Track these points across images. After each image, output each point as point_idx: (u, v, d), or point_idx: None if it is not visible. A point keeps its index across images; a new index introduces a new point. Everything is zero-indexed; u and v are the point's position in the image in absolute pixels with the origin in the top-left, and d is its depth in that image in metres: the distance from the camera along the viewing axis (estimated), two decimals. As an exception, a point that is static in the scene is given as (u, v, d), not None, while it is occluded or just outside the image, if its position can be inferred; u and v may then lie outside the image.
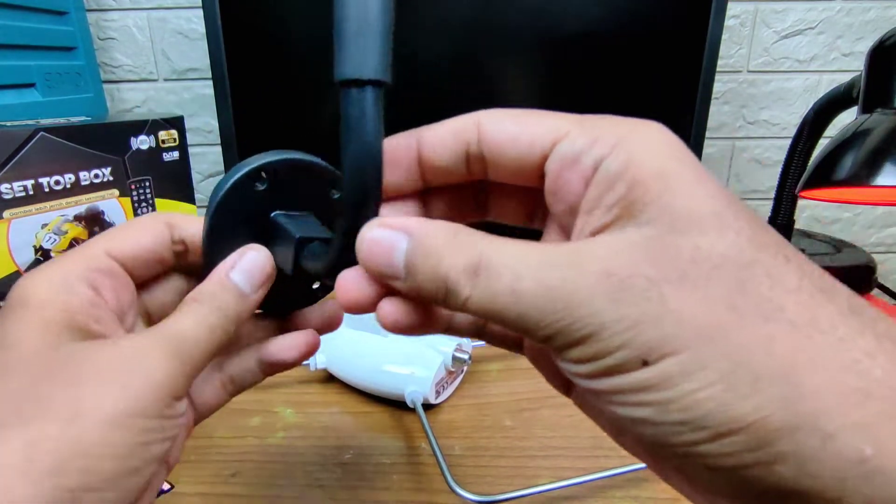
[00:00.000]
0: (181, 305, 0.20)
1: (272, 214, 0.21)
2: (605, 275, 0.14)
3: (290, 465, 0.32)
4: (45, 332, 0.17)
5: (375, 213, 0.17)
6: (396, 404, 0.37)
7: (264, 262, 0.21)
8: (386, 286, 0.17)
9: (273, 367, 0.23)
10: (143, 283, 0.21)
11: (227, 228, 0.20)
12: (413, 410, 0.36)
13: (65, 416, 0.15)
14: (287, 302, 0.23)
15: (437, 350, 0.37)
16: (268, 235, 0.21)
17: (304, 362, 0.39)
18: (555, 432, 0.35)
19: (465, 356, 0.37)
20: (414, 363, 0.36)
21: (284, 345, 0.22)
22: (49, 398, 0.15)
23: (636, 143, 0.15)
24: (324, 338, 0.39)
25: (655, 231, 0.14)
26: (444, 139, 0.20)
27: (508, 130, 0.19)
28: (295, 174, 0.22)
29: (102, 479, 0.15)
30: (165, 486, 0.30)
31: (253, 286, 0.21)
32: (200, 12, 0.54)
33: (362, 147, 0.17)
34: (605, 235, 0.15)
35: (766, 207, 0.63)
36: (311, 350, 0.22)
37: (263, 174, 0.21)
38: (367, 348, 0.38)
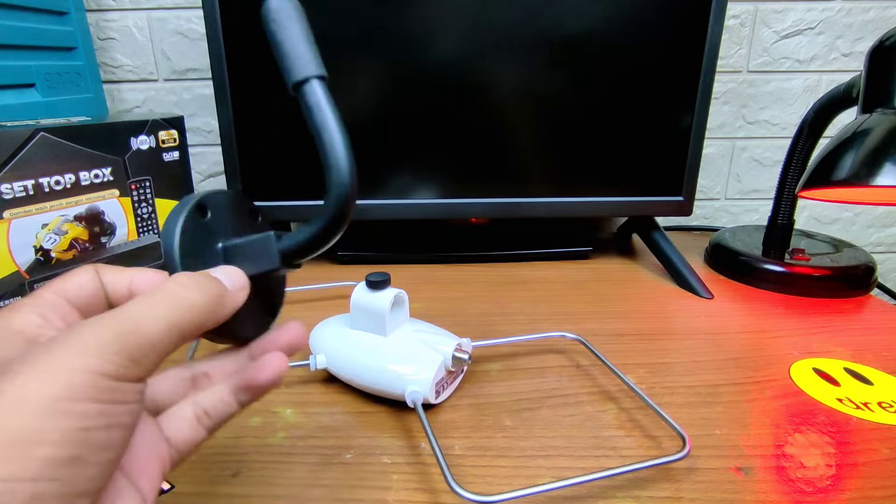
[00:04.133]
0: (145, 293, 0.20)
1: (220, 244, 0.23)
2: None
3: (290, 465, 0.32)
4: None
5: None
6: (396, 404, 0.37)
7: (238, 276, 0.23)
8: None
9: (249, 391, 0.23)
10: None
11: (189, 257, 0.22)
12: (413, 410, 0.36)
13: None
14: (246, 329, 0.24)
15: (437, 350, 0.37)
16: (220, 258, 0.23)
17: (305, 362, 0.39)
18: (555, 432, 0.35)
19: (465, 356, 0.37)
20: (414, 363, 0.36)
21: (257, 367, 0.23)
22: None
23: None
24: (324, 338, 0.39)
25: None
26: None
27: None
28: (227, 204, 0.24)
29: (37, 468, 0.15)
30: (165, 486, 0.30)
31: (234, 285, 0.22)
32: (200, 12, 0.54)
33: (332, 126, 0.21)
34: None
35: (766, 207, 0.63)
36: (282, 369, 0.23)
37: (207, 208, 0.23)
38: (367, 348, 0.38)
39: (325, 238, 0.22)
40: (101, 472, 0.16)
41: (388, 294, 0.37)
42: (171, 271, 0.21)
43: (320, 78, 0.21)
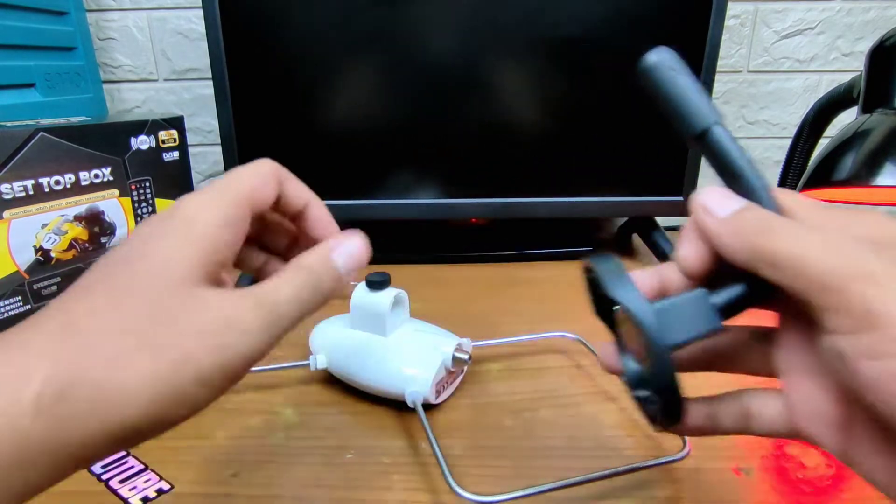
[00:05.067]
0: (284, 271, 0.22)
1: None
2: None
3: (290, 465, 0.32)
4: (188, 265, 0.19)
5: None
6: (397, 404, 0.37)
7: (363, 251, 0.24)
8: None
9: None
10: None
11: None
12: (413, 410, 0.36)
13: (170, 359, 0.18)
14: None
15: (438, 350, 0.37)
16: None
17: (305, 362, 0.39)
18: (555, 432, 0.35)
19: (466, 356, 0.37)
20: (414, 363, 0.36)
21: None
22: (163, 339, 0.18)
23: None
24: (324, 338, 0.39)
25: None
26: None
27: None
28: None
29: (168, 425, 0.18)
30: (165, 486, 0.30)
31: (348, 271, 0.23)
32: (200, 12, 0.54)
33: (748, 168, 0.21)
34: None
35: (766, 207, 0.63)
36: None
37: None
38: (367, 348, 0.38)
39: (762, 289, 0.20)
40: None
41: (389, 294, 0.37)
42: (655, 348, 0.19)
43: (717, 124, 0.21)
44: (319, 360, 0.38)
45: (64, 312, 0.18)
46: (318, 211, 0.26)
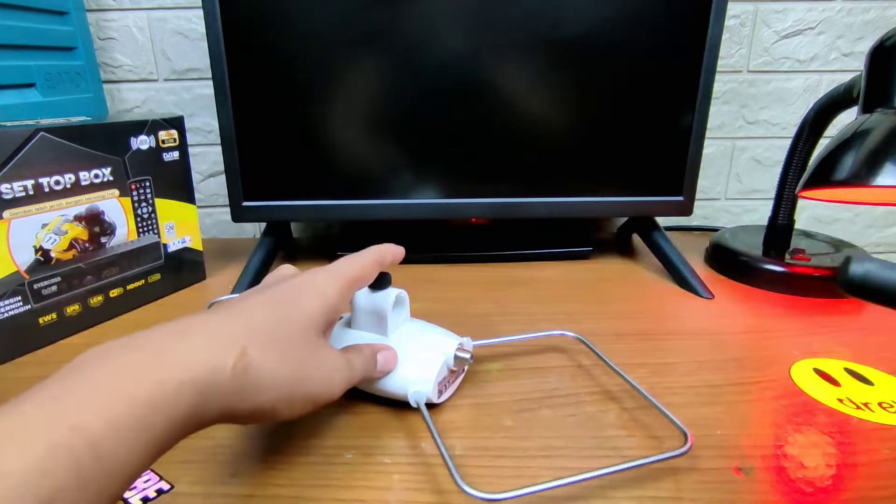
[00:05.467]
0: (352, 350, 0.34)
1: None
2: None
3: (290, 465, 0.32)
4: (319, 318, 0.30)
5: None
6: (397, 404, 0.37)
7: (393, 363, 0.36)
8: None
9: None
10: None
11: None
12: (414, 410, 0.36)
13: (301, 377, 0.28)
14: None
15: (439, 350, 0.37)
16: None
17: None
18: (555, 432, 0.35)
19: (467, 355, 0.37)
20: (416, 363, 0.36)
21: None
22: (302, 365, 0.28)
23: None
24: None
25: None
26: None
27: None
28: None
29: (270, 418, 0.28)
30: (165, 487, 0.30)
31: (380, 370, 0.36)
32: (200, 12, 0.54)
33: None
34: None
35: (767, 207, 0.63)
36: None
37: None
38: None
39: None
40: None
41: (390, 294, 0.37)
42: None
43: None
44: None
45: (241, 314, 0.27)
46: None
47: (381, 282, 0.37)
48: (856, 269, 0.23)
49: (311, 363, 0.29)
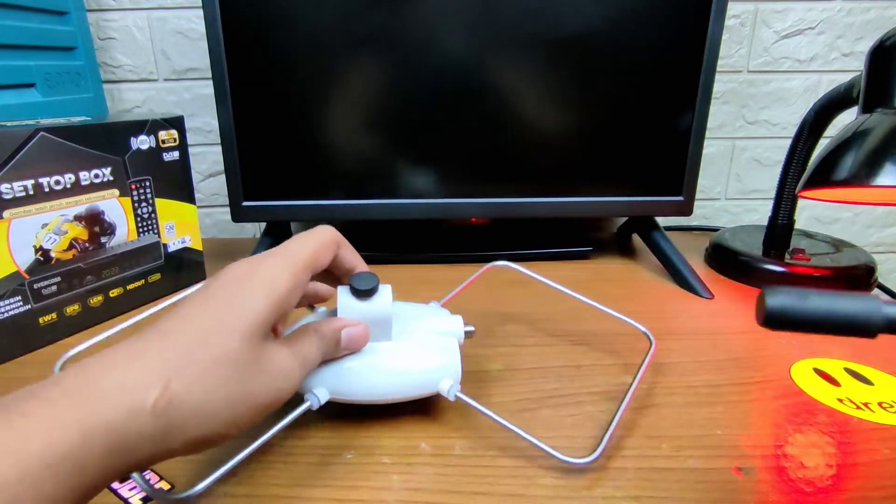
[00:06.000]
0: (306, 335, 0.30)
1: None
2: None
3: (290, 465, 0.32)
4: (264, 318, 0.26)
5: None
6: (397, 405, 0.37)
7: (362, 339, 0.33)
8: None
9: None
10: None
11: None
12: (415, 410, 0.36)
13: (245, 392, 0.25)
14: None
15: (450, 333, 0.35)
16: None
17: (304, 405, 0.32)
18: (555, 432, 0.35)
19: (470, 327, 0.38)
20: (436, 355, 0.34)
21: None
22: (243, 378, 0.25)
23: None
24: (318, 370, 0.33)
25: None
26: None
27: None
28: None
29: (224, 440, 0.25)
30: (165, 487, 0.30)
31: (345, 347, 0.32)
32: (200, 12, 0.54)
33: None
34: None
35: (767, 207, 0.63)
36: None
37: None
38: (379, 360, 0.34)
39: None
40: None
41: (386, 297, 0.34)
42: None
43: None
44: (321, 395, 0.33)
45: (167, 334, 0.24)
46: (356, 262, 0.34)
47: (368, 286, 0.33)
48: (772, 302, 0.21)
49: (253, 376, 0.25)
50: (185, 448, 0.23)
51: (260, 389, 0.25)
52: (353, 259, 0.33)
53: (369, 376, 0.33)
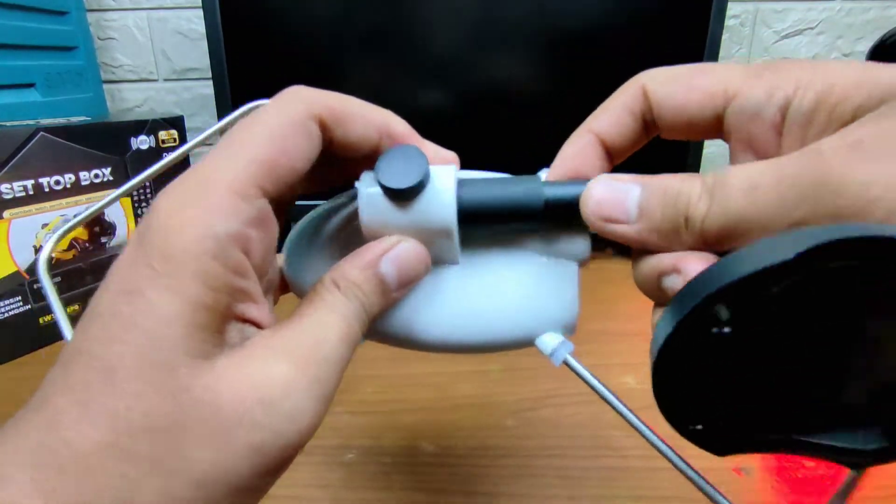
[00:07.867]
0: (320, 297, 0.16)
1: None
2: (853, 145, 0.13)
3: (291, 465, 0.32)
4: (182, 332, 0.13)
5: None
6: (397, 404, 0.37)
7: (421, 259, 0.18)
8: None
9: None
10: None
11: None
12: (414, 410, 0.35)
13: (191, 479, 0.13)
14: None
15: (564, 253, 0.20)
16: None
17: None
18: (556, 431, 0.35)
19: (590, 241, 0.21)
20: (538, 287, 0.20)
21: None
22: (175, 453, 0.13)
23: (818, 81, 0.16)
24: None
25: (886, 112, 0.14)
26: (620, 120, 0.21)
27: (677, 98, 0.20)
28: None
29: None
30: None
31: (400, 283, 0.18)
32: (200, 12, 0.54)
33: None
34: (830, 137, 0.14)
35: (767, 207, 0.63)
36: None
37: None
38: (444, 288, 0.20)
39: None
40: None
41: (447, 182, 0.19)
42: None
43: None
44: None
45: (47, 427, 0.13)
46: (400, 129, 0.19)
47: (408, 178, 0.18)
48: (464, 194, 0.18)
49: (197, 435, 0.13)
50: None
51: (217, 459, 0.14)
52: (370, 126, 0.19)
53: (422, 307, 0.20)
